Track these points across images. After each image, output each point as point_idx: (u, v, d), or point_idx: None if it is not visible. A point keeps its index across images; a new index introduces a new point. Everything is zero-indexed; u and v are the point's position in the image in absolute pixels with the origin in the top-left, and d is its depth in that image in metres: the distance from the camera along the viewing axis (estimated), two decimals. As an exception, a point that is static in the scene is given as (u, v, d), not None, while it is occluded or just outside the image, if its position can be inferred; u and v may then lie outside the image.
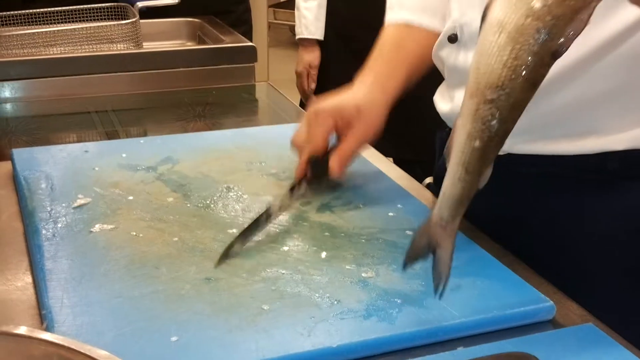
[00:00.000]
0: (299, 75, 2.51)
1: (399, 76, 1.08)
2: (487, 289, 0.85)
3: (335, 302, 0.82)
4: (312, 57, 2.46)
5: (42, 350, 0.61)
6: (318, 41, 2.45)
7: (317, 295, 0.83)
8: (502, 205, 1.01)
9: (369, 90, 1.07)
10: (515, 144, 0.95)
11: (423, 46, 1.09)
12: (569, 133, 0.93)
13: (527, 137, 0.94)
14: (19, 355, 0.61)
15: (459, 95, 1.01)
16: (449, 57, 1.04)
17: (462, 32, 1.01)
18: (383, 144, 1.17)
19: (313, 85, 2.49)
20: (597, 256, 0.96)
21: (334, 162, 1.04)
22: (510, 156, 0.94)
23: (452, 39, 1.02)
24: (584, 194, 0.95)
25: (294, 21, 2.52)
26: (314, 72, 2.48)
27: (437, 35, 1.06)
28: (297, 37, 2.49)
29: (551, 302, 0.83)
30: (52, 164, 1.16)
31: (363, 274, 0.87)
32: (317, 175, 1.05)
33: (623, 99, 0.90)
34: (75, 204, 1.02)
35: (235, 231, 0.97)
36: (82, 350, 0.60)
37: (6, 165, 1.18)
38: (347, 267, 0.89)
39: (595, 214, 0.95)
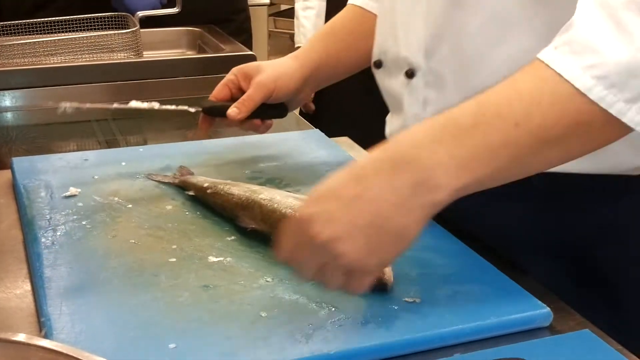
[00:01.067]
0: None
1: (318, 49, 1.16)
2: (484, 296, 0.85)
3: (333, 309, 0.82)
4: None
5: (40, 357, 0.61)
6: (317, 49, 2.46)
7: (314, 302, 0.84)
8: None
9: (281, 58, 1.18)
10: None
11: (365, 27, 1.13)
12: None
13: None
14: None
15: (394, 119, 1.06)
16: (380, 81, 1.08)
17: (385, 58, 1.05)
18: None
19: (312, 94, 2.49)
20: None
21: (230, 112, 1.13)
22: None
23: (377, 64, 1.06)
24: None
25: (294, 30, 2.53)
26: None
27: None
28: (295, 45, 2.50)
29: (548, 308, 0.83)
30: (51, 172, 1.17)
31: (361, 281, 0.88)
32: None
33: None
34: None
35: (234, 238, 0.97)
36: (80, 358, 0.60)
37: (6, 174, 1.19)
38: (345, 274, 0.89)
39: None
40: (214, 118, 1.18)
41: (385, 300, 0.84)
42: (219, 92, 1.16)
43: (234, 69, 1.16)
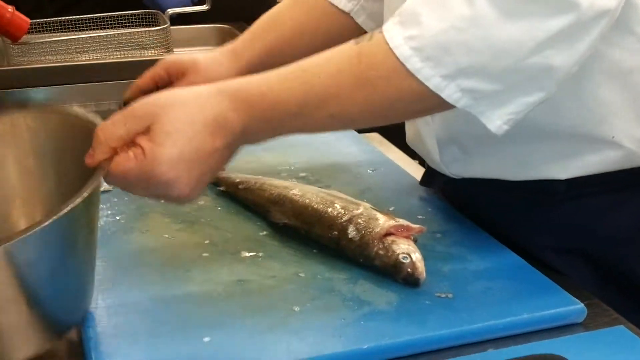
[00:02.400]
0: None
1: (257, 46, 1.11)
2: (516, 292, 0.85)
3: (365, 304, 0.82)
4: None
5: None
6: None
7: (347, 297, 0.84)
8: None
9: (219, 52, 1.12)
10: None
11: (306, 18, 1.11)
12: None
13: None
14: None
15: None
16: None
17: None
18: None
19: None
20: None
21: None
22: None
23: None
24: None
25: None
26: None
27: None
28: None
29: (582, 304, 0.83)
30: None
31: (390, 277, 0.88)
32: None
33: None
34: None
35: (266, 234, 0.98)
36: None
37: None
38: (376, 269, 0.89)
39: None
40: None
41: (417, 296, 0.84)
42: (143, 83, 1.09)
43: (166, 61, 1.09)
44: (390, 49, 0.73)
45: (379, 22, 1.03)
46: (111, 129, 0.74)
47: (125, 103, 1.13)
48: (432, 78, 0.72)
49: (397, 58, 0.72)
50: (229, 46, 1.12)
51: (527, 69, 0.73)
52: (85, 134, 0.72)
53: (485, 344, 0.79)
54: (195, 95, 0.77)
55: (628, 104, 0.88)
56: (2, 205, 0.77)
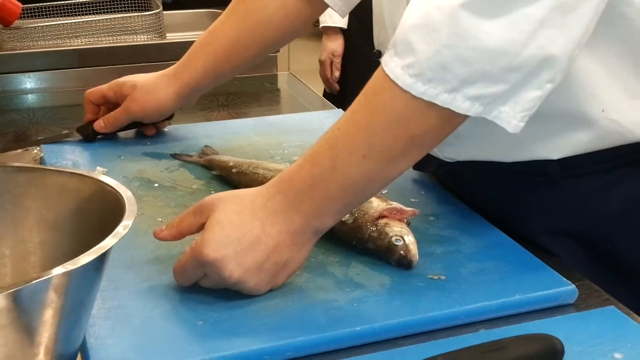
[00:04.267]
0: (322, 63, 2.50)
1: (197, 66, 1.17)
2: (509, 273, 0.86)
3: (359, 287, 0.83)
4: (336, 45, 2.46)
5: None
6: (342, 30, 2.45)
7: (340, 279, 0.84)
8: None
9: (161, 74, 1.20)
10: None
11: (237, 34, 1.16)
12: None
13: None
14: None
15: None
16: None
17: (382, 48, 1.06)
18: None
19: (337, 74, 2.49)
20: None
21: (96, 123, 1.22)
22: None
23: (377, 55, 1.08)
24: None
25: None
26: (338, 61, 2.48)
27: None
28: (320, 25, 2.49)
29: (573, 285, 0.83)
30: (78, 152, 1.18)
31: (383, 259, 0.88)
32: (85, 136, 1.23)
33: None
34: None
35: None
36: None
37: (34, 154, 1.20)
38: (369, 252, 0.90)
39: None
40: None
41: (410, 278, 0.85)
42: (94, 96, 1.23)
43: (113, 82, 1.22)
44: (392, 80, 0.75)
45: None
46: (184, 217, 0.84)
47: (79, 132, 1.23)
48: (439, 95, 0.74)
49: (401, 88, 0.75)
50: (171, 68, 1.20)
51: (525, 64, 0.73)
52: (106, 199, 0.74)
53: (478, 325, 0.79)
54: (252, 190, 0.84)
55: (615, 75, 0.88)
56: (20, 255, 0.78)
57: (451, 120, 0.77)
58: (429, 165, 1.09)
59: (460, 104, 0.74)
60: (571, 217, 0.94)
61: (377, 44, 1.09)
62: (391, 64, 0.76)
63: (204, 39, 1.18)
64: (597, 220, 0.94)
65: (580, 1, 0.73)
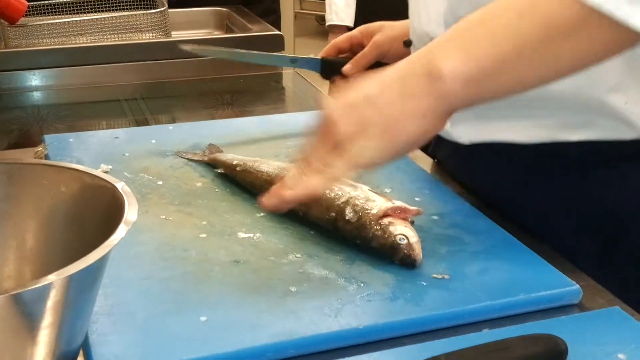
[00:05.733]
0: None
1: None
2: (513, 272, 0.85)
3: (362, 285, 0.83)
4: None
5: None
6: (348, 28, 2.45)
7: (343, 277, 0.84)
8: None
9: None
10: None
11: None
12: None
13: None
14: None
15: None
16: None
17: (414, 37, 1.05)
18: None
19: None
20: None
21: (345, 68, 1.18)
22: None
23: (408, 43, 1.08)
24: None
25: (320, 11, 2.53)
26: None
27: None
28: (327, 23, 2.49)
29: (577, 285, 0.83)
30: (83, 149, 1.18)
31: (387, 258, 0.88)
32: (328, 72, 1.22)
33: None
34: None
35: (263, 215, 0.98)
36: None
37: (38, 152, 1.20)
38: (373, 250, 0.89)
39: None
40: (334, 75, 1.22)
41: (414, 277, 0.84)
42: (341, 41, 1.20)
43: (360, 27, 1.19)
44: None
45: None
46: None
47: (323, 59, 1.24)
48: (621, 6, 0.67)
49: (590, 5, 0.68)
50: None
51: None
52: (100, 194, 0.74)
53: (481, 325, 0.79)
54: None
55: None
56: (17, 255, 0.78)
57: (622, 40, 0.71)
58: (444, 150, 1.08)
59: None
60: (584, 207, 0.94)
61: (410, 32, 1.08)
62: None
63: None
64: (610, 211, 0.93)
65: None
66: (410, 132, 0.76)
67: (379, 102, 0.75)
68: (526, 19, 0.71)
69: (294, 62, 1.24)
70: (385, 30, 1.16)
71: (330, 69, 1.21)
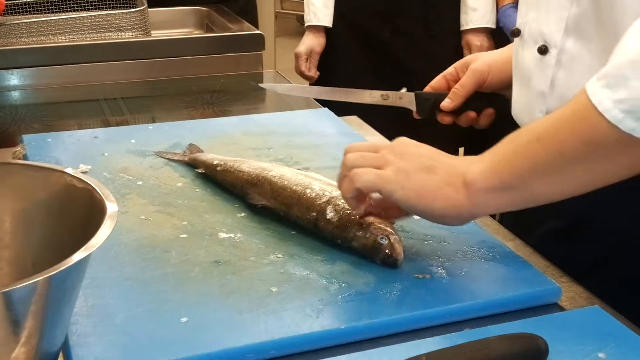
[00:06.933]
0: (298, 56, 2.48)
1: None
2: (494, 272, 0.86)
3: (344, 285, 0.83)
4: (316, 43, 2.44)
5: None
6: (326, 29, 2.45)
7: (324, 278, 0.84)
8: None
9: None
10: None
11: None
12: None
13: None
14: None
15: (521, 94, 1.03)
16: (515, 50, 1.04)
17: (524, 28, 1.02)
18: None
19: (313, 71, 2.48)
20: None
21: (443, 103, 1.10)
22: None
23: (516, 33, 1.03)
24: None
25: (301, 11, 2.51)
26: (315, 58, 2.46)
27: None
28: (305, 24, 2.48)
29: (557, 284, 0.84)
30: (62, 149, 1.17)
31: (369, 258, 0.88)
32: (422, 109, 1.11)
33: None
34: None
35: (244, 215, 0.98)
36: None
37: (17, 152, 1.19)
38: (355, 250, 0.89)
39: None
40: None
41: (395, 277, 0.85)
42: (436, 82, 1.13)
43: (455, 63, 1.13)
44: (600, 112, 0.74)
45: None
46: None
47: (417, 94, 1.11)
48: None
49: (608, 120, 0.74)
50: None
51: None
52: (79, 194, 0.74)
53: (462, 324, 0.79)
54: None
55: None
56: None
57: None
58: None
59: None
60: (559, 213, 0.94)
61: (520, 22, 1.04)
62: (601, 95, 0.75)
63: None
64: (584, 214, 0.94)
65: None
66: (436, 207, 0.83)
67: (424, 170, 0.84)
68: (542, 142, 0.78)
69: (386, 98, 1.16)
70: (480, 57, 1.11)
71: (425, 105, 1.11)
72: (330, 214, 0.91)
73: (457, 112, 1.08)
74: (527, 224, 1.00)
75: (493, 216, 1.00)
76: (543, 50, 0.96)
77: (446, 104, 1.08)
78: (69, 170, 0.76)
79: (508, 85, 1.07)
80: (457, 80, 1.10)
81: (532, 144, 0.79)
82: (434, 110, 1.09)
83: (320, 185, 0.95)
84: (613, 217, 0.94)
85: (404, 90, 1.11)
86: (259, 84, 1.16)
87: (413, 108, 1.11)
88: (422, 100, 1.10)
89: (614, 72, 0.75)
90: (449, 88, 1.10)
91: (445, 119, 1.10)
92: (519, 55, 1.02)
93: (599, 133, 0.75)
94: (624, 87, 0.73)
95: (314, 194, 0.93)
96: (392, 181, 0.84)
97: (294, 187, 0.95)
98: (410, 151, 0.86)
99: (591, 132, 0.75)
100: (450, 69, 1.11)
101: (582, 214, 0.95)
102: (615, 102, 0.73)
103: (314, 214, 0.92)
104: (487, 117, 1.09)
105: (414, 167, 0.84)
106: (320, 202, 0.92)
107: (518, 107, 1.03)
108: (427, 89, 1.12)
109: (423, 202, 0.83)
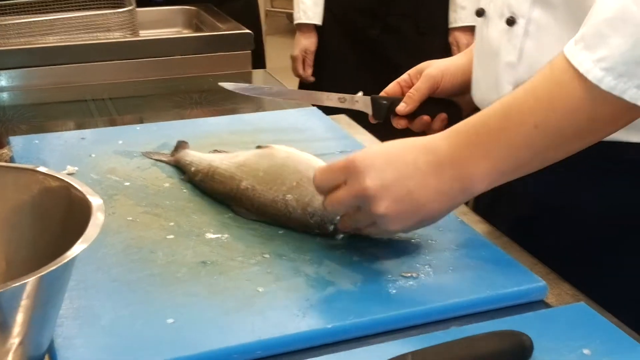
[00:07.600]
0: (294, 59, 2.49)
1: None
2: (480, 270, 0.86)
3: (330, 285, 0.83)
4: (309, 42, 2.45)
5: None
6: (316, 27, 2.45)
7: (312, 277, 0.84)
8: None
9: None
10: None
11: None
12: None
13: None
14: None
15: (484, 79, 1.04)
16: (478, 31, 1.06)
17: (488, 7, 1.02)
18: None
19: (309, 71, 2.49)
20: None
21: (398, 108, 1.12)
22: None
23: (480, 12, 1.04)
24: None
25: (291, 9, 2.51)
26: (310, 58, 2.47)
27: None
28: (295, 22, 2.48)
29: (544, 282, 0.84)
30: (49, 151, 1.17)
31: (355, 257, 0.88)
32: (378, 113, 1.13)
33: None
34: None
35: (231, 215, 0.98)
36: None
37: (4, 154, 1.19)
38: (341, 250, 0.90)
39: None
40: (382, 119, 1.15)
41: (382, 275, 0.85)
42: (390, 88, 1.15)
43: (410, 70, 1.15)
44: (581, 73, 0.75)
45: None
46: (328, 176, 0.88)
47: (373, 99, 1.13)
48: (628, 90, 0.74)
49: (589, 80, 0.75)
50: None
51: None
52: (65, 196, 0.73)
53: (449, 322, 0.79)
54: (408, 148, 0.85)
55: None
56: None
57: (632, 114, 0.78)
58: None
59: None
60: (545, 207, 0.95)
61: (486, 1, 1.05)
62: (580, 57, 0.76)
63: None
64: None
65: None
66: (437, 219, 0.87)
67: (415, 190, 0.83)
68: (541, 129, 0.79)
69: (343, 101, 1.17)
70: (434, 64, 1.13)
71: (381, 109, 1.13)
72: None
73: (411, 116, 1.11)
74: (501, 210, 1.01)
75: (466, 204, 1.01)
76: (511, 22, 0.97)
77: (401, 107, 1.11)
78: (42, 169, 0.75)
79: (460, 91, 1.11)
80: (411, 86, 1.13)
81: (530, 132, 0.79)
82: (389, 114, 1.12)
83: (296, 190, 0.95)
84: (588, 202, 0.94)
85: (360, 94, 1.14)
86: (218, 83, 1.16)
87: (369, 112, 1.13)
88: (378, 104, 1.13)
89: (592, 31, 0.76)
90: (403, 94, 1.13)
91: (400, 123, 1.11)
92: (484, 33, 1.03)
93: (582, 94, 0.76)
94: (604, 45, 0.74)
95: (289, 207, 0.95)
96: (391, 229, 0.86)
97: (273, 205, 0.96)
98: (389, 184, 0.83)
99: (580, 97, 0.76)
100: (404, 76, 1.14)
101: (556, 200, 0.95)
102: (595, 61, 0.74)
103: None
104: (440, 122, 1.11)
105: (405, 208, 0.84)
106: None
107: (483, 86, 1.04)
108: (382, 94, 1.14)
109: (426, 224, 0.87)
